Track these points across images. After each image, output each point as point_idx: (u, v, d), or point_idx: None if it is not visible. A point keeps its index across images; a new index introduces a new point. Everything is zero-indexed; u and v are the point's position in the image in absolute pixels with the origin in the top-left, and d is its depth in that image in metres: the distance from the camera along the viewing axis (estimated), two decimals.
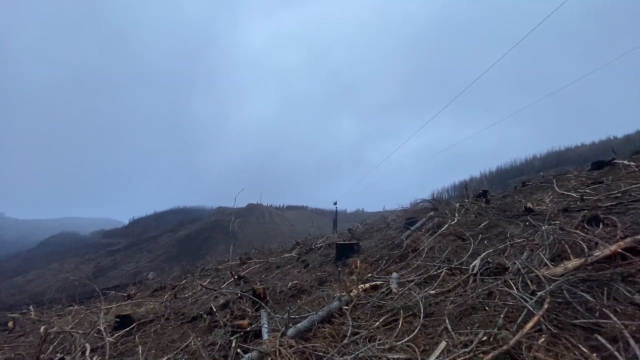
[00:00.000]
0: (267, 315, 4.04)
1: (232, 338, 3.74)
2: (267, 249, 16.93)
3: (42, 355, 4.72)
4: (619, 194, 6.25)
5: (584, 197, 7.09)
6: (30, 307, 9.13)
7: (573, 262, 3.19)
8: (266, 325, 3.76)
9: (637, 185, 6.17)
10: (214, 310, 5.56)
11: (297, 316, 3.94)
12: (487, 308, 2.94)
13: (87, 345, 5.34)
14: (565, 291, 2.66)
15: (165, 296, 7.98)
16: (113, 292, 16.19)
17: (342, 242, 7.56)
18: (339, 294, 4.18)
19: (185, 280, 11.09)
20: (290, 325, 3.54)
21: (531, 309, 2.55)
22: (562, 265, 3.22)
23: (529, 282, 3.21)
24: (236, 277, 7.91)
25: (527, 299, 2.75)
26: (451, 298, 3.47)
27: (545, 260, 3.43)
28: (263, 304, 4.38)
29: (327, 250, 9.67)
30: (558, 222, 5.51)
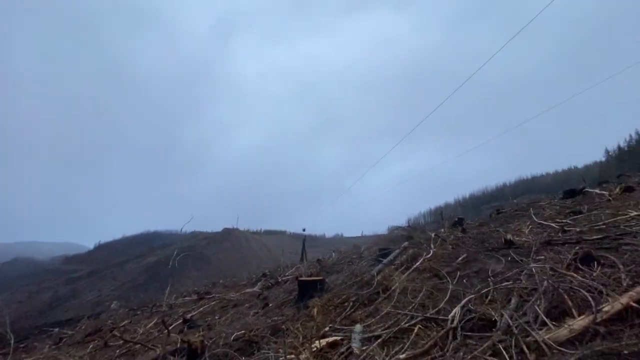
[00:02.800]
0: None
1: None
2: (232, 281, 15.53)
3: None
4: (603, 226, 5.79)
5: (565, 228, 6.63)
6: None
7: (579, 321, 2.47)
8: None
9: (623, 217, 5.73)
10: None
11: None
12: None
13: None
14: None
15: (90, 346, 6.60)
16: (57, 329, 14.15)
17: (305, 279, 6.61)
18: (284, 357, 3.23)
19: (127, 322, 9.59)
20: None
21: None
22: (565, 324, 2.49)
23: (525, 348, 2.44)
24: (168, 327, 6.69)
25: None
26: None
27: (543, 316, 2.68)
28: None
29: (293, 284, 8.64)
30: (543, 257, 4.91)
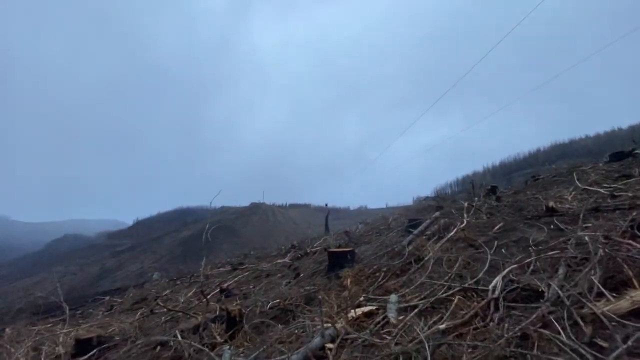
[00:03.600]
0: (229, 356, 3.16)
1: None
2: (262, 252, 16.09)
3: None
4: None
5: (615, 194, 6.13)
6: None
7: None
8: None
9: None
10: (180, 336, 4.69)
11: None
12: None
13: None
14: None
15: (139, 313, 7.14)
16: (108, 297, 15.41)
17: (334, 250, 6.65)
18: (321, 326, 3.27)
19: (168, 291, 10.25)
20: None
21: None
22: (626, 295, 2.29)
23: (579, 319, 2.28)
24: (206, 297, 7.03)
25: (589, 357, 1.83)
26: (468, 339, 2.56)
27: (600, 286, 2.49)
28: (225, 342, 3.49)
29: (322, 255, 8.77)
30: (591, 224, 4.58)
